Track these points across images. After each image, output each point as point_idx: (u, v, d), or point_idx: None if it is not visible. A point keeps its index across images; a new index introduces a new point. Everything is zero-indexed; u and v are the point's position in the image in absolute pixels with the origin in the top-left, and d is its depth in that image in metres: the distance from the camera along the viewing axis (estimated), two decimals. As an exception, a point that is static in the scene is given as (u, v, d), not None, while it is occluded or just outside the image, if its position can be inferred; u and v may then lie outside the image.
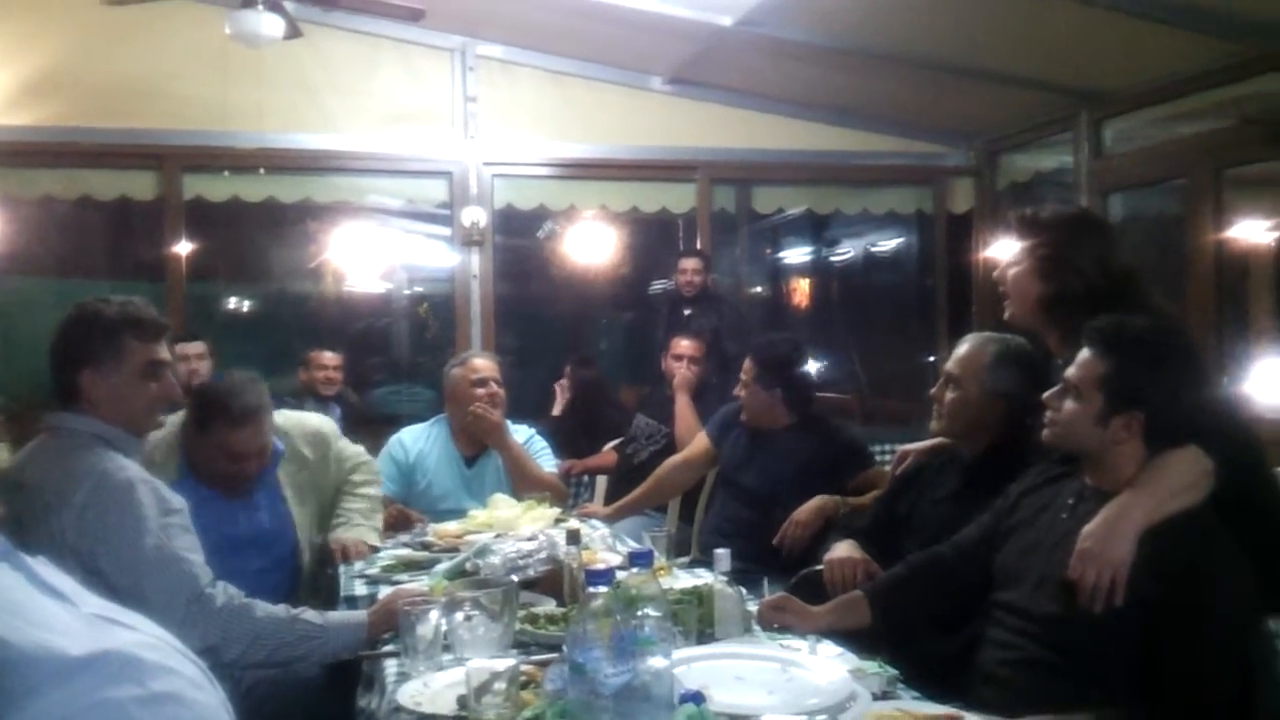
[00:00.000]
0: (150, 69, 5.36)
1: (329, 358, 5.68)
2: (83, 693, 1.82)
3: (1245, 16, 4.29)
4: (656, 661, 1.51)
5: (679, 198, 6.32)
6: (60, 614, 1.92)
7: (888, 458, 4.67)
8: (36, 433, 2.32)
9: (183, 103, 5.40)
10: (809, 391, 3.72)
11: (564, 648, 1.57)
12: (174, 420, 2.83)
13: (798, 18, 4.77)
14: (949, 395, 2.68)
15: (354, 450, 3.32)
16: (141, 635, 2.05)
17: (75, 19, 5.19)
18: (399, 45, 5.72)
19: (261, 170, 5.74)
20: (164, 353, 2.35)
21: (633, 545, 2.96)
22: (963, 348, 2.75)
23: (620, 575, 1.54)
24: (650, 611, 1.50)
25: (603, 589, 1.42)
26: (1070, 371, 2.05)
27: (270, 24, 4.26)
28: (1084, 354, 2.03)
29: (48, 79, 5.28)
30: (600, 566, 1.67)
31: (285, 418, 3.11)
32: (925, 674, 1.98)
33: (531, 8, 5.18)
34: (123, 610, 2.06)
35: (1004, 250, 6.12)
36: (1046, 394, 2.10)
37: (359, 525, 3.13)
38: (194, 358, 4.91)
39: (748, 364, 3.62)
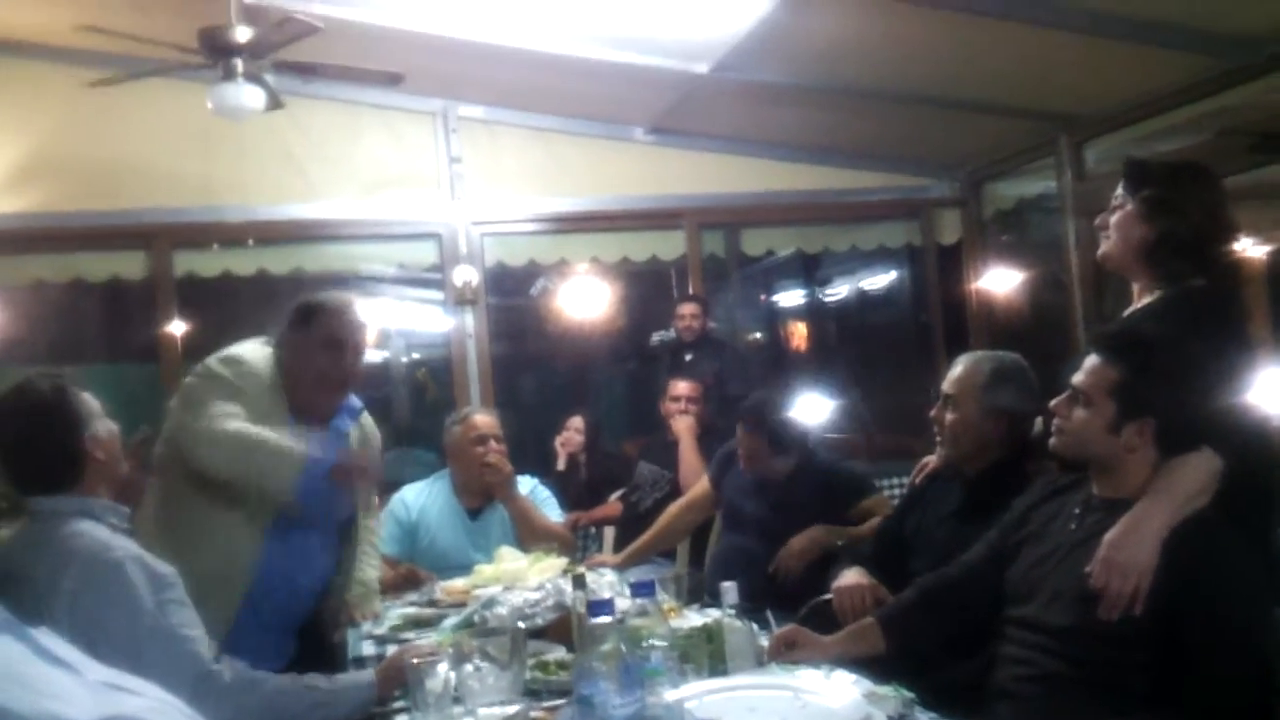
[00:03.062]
0: (135, 149, 5.40)
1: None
2: (90, 760, 1.76)
3: (1215, 31, 4.32)
4: (667, 693, 1.49)
5: (668, 245, 6.34)
6: (65, 682, 1.89)
7: (897, 491, 4.65)
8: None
9: (169, 180, 5.43)
10: (799, 437, 3.65)
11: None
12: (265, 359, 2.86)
13: (769, 61, 4.81)
14: (948, 416, 2.68)
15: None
16: (149, 700, 2.01)
17: (58, 104, 5.26)
18: (380, 111, 5.77)
19: (250, 241, 5.76)
20: None
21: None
22: (958, 368, 2.75)
23: (624, 608, 1.51)
24: (656, 642, 1.48)
25: (605, 619, 1.40)
26: (1078, 379, 2.04)
27: (251, 96, 4.30)
28: (1092, 360, 2.02)
29: (34, 164, 5.32)
30: (601, 597, 1.64)
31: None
32: (942, 697, 1.95)
33: (509, 67, 5.24)
34: (128, 677, 2.02)
35: (996, 279, 6.22)
36: (1054, 401, 2.09)
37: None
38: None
39: (748, 438, 3.56)
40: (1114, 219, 2.31)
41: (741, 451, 3.59)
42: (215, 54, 4.28)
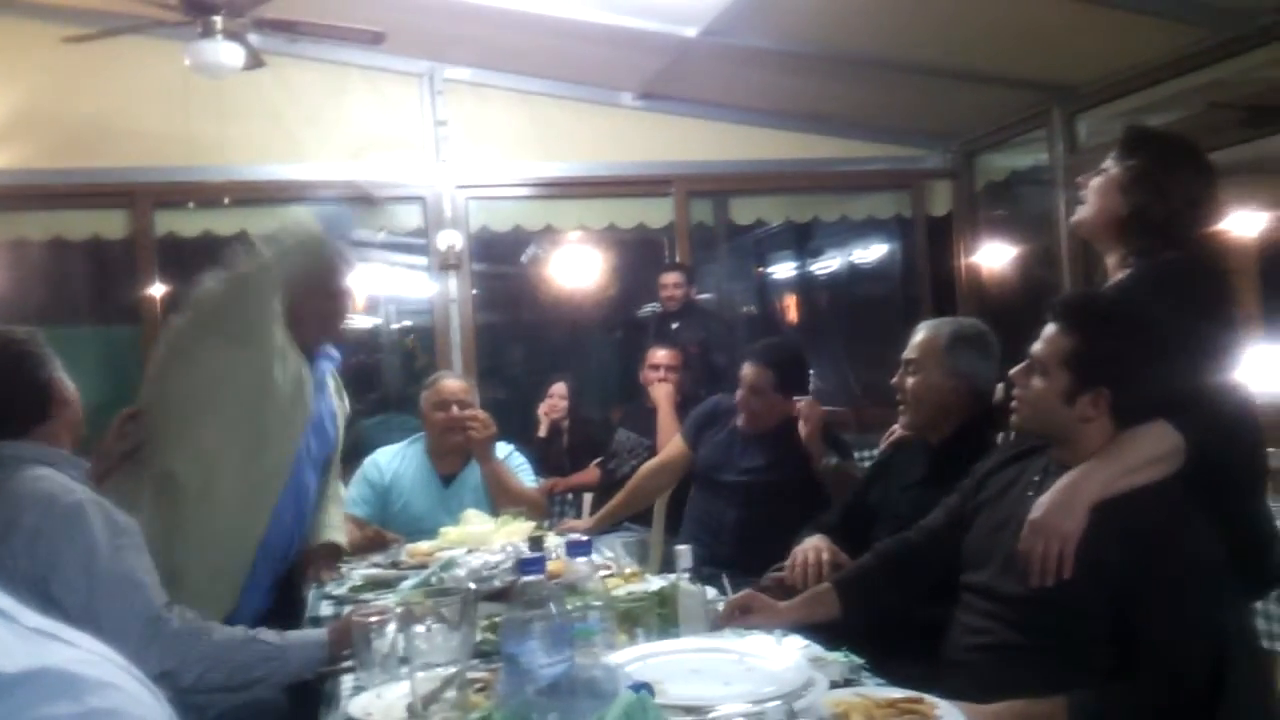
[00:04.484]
0: (114, 106, 5.34)
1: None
2: (16, 710, 1.77)
3: (1209, 1, 4.27)
4: (602, 655, 1.47)
5: (656, 213, 6.28)
6: (-2, 629, 1.87)
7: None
8: None
9: (151, 138, 5.37)
10: (805, 382, 3.65)
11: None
12: None
13: (760, 25, 4.75)
14: (909, 381, 2.65)
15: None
16: (81, 652, 2.01)
17: (38, 61, 5.19)
18: (366, 72, 5.70)
19: (226, 201, 5.69)
20: None
21: (610, 555, 2.91)
22: (919, 334, 2.72)
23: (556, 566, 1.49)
24: (591, 602, 1.45)
25: (535, 577, 1.38)
26: (1036, 348, 2.00)
27: (230, 54, 4.25)
28: (1048, 329, 1.99)
29: (15, 122, 5.26)
30: (531, 555, 1.62)
31: None
32: (898, 662, 1.92)
33: (496, 29, 5.17)
34: (63, 627, 2.02)
35: (986, 252, 6.17)
36: (1013, 370, 2.06)
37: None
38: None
39: (756, 371, 3.48)
40: (1094, 182, 2.26)
41: (744, 389, 3.50)
42: (194, 10, 4.23)
